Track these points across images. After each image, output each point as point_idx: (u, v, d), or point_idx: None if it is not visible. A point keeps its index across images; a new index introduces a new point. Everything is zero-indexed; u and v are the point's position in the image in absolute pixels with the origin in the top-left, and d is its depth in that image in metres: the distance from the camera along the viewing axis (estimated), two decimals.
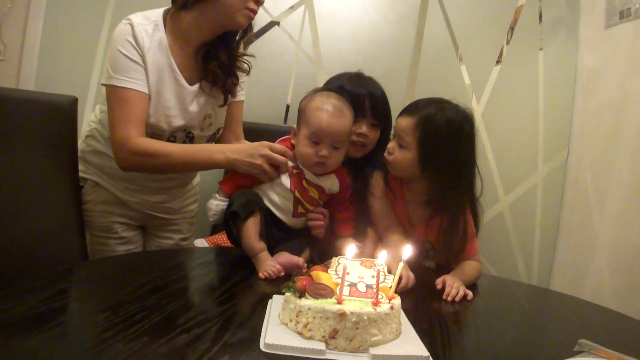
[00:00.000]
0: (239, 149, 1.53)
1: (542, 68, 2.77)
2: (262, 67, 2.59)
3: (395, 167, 1.58)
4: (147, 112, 1.56)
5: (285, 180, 1.48)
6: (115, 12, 2.52)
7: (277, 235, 1.46)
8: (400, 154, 1.55)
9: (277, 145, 1.51)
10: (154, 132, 1.60)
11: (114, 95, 1.53)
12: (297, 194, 1.47)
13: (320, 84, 2.68)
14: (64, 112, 1.61)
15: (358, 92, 1.67)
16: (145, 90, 1.55)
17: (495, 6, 2.75)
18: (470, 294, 1.34)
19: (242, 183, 1.51)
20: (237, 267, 1.37)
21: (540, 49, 2.77)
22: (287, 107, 2.68)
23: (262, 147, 1.48)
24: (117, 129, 1.52)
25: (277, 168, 1.49)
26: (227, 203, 1.46)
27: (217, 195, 1.49)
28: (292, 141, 1.51)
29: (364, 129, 1.66)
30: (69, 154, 1.62)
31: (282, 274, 1.31)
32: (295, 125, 1.51)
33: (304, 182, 1.48)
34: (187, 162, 1.58)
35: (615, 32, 2.51)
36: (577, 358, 0.92)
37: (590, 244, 2.48)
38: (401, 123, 1.56)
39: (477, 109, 2.70)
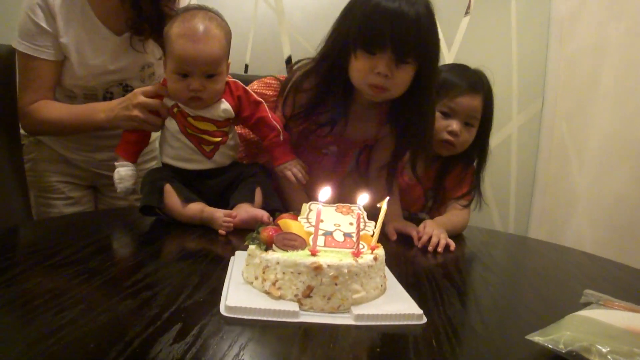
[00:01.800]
0: (114, 104, 1.35)
1: (514, 17, 2.66)
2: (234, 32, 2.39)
3: (460, 148, 1.52)
4: (53, 78, 1.47)
5: (171, 123, 1.30)
6: None
7: (214, 188, 1.32)
8: (468, 134, 1.51)
9: (150, 87, 1.32)
10: (85, 92, 1.52)
11: (19, 61, 1.47)
12: (190, 131, 1.28)
13: (285, 39, 2.51)
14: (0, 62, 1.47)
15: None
16: (51, 58, 1.45)
17: None
18: (452, 244, 1.23)
19: (132, 139, 1.34)
20: (194, 226, 1.22)
21: None
22: (246, 67, 2.49)
23: (135, 96, 1.31)
24: (19, 96, 1.46)
25: (158, 113, 1.31)
26: (130, 166, 1.32)
27: (116, 163, 1.33)
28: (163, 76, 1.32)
29: (382, 67, 1.23)
30: (8, 109, 1.49)
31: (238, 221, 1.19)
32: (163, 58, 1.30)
33: (189, 119, 1.28)
34: (75, 126, 1.44)
35: None
36: (588, 310, 0.80)
37: (569, 194, 2.41)
38: (471, 103, 1.49)
39: (448, 59, 2.57)
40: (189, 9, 1.28)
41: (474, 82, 1.51)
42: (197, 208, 1.20)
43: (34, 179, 1.62)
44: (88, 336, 0.63)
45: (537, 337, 0.69)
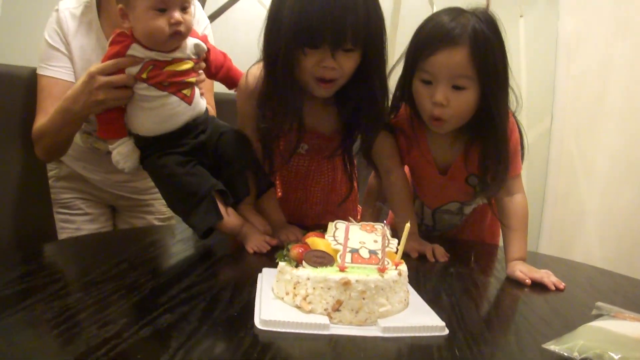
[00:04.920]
0: (77, 93, 1.25)
1: (523, 35, 2.72)
2: (234, 37, 2.46)
3: (454, 120, 1.25)
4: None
5: (142, 87, 1.21)
6: None
7: (210, 141, 1.28)
8: (459, 100, 1.20)
9: (106, 63, 1.20)
10: None
11: (38, 84, 1.45)
12: (166, 84, 1.21)
13: None
14: (26, 83, 1.49)
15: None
16: (65, 77, 1.45)
17: None
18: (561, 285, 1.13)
19: (110, 118, 1.25)
20: (220, 241, 1.26)
21: (521, 16, 2.71)
22: None
23: (92, 80, 1.20)
24: (34, 120, 1.42)
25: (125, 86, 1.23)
26: (127, 142, 1.25)
27: (110, 147, 1.27)
28: (125, 26, 1.19)
29: (329, 60, 1.18)
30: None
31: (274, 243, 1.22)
32: (120, 6, 1.17)
33: (167, 68, 1.21)
34: (59, 125, 1.34)
35: None
36: (600, 321, 0.84)
37: (578, 211, 2.45)
38: (450, 60, 1.18)
39: None
40: None
41: (450, 30, 1.18)
42: (236, 224, 1.23)
43: (54, 196, 1.65)
44: (134, 348, 0.68)
45: (552, 346, 0.74)
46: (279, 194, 1.47)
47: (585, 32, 2.54)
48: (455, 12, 1.21)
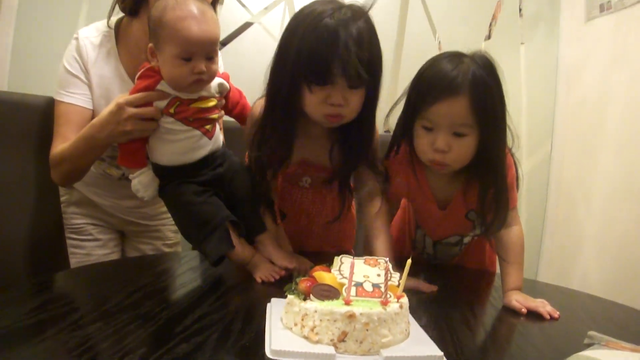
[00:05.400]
0: (104, 122, 1.30)
1: (523, 62, 2.79)
2: (243, 65, 2.53)
3: (455, 164, 1.30)
4: (80, 124, 1.47)
5: (169, 121, 1.26)
6: (90, 9, 2.48)
7: (226, 176, 1.33)
8: (460, 147, 1.25)
9: (135, 96, 1.26)
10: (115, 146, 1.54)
11: (55, 110, 1.50)
12: (192, 119, 1.27)
13: None
14: (41, 112, 1.54)
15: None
16: (83, 104, 1.51)
17: (475, 0, 2.74)
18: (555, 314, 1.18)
19: (132, 148, 1.30)
20: (228, 269, 1.32)
21: (522, 44, 2.78)
22: None
23: (120, 110, 1.25)
24: (51, 146, 1.47)
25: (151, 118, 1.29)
26: (146, 171, 1.30)
27: (130, 176, 1.32)
28: (153, 64, 1.25)
29: (336, 97, 1.23)
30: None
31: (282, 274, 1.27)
32: (150, 45, 1.24)
33: (192, 105, 1.26)
34: (82, 151, 1.39)
35: (595, 25, 2.52)
36: (591, 351, 0.89)
37: (577, 237, 2.49)
38: (451, 110, 1.22)
39: None
40: None
41: (450, 80, 1.22)
42: (247, 254, 1.28)
43: (65, 221, 1.70)
44: None
45: None
46: (278, 221, 1.49)
47: (584, 61, 2.61)
48: (456, 60, 1.25)
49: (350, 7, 1.24)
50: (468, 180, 1.37)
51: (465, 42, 2.64)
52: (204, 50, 1.20)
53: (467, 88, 1.21)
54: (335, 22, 1.18)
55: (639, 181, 2.11)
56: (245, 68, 2.57)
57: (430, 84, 1.26)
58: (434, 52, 2.61)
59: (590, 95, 2.53)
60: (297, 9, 1.29)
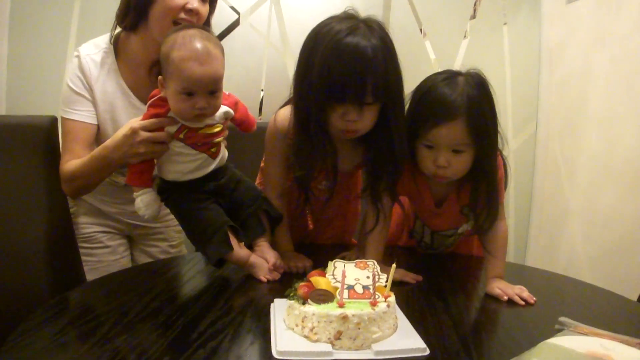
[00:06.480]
0: (118, 144, 1.39)
1: (507, 43, 2.84)
2: (233, 63, 2.64)
3: (455, 176, 1.44)
4: (88, 140, 1.60)
5: (178, 145, 1.36)
6: (80, 26, 2.58)
7: (227, 186, 1.45)
8: (459, 162, 1.39)
9: (149, 121, 1.34)
10: None
11: (62, 128, 1.59)
12: (199, 144, 1.36)
13: (291, 73, 2.75)
14: (46, 132, 1.59)
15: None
16: (89, 121, 1.61)
17: None
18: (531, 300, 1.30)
19: (141, 169, 1.38)
20: (232, 271, 1.43)
21: (505, 24, 2.84)
22: (262, 99, 2.77)
23: (134, 134, 1.34)
24: (60, 162, 1.57)
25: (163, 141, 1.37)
26: (150, 192, 1.39)
27: (134, 194, 1.39)
28: (162, 94, 1.33)
29: (352, 114, 1.32)
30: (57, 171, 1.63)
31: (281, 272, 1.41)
32: (160, 77, 1.32)
33: (201, 131, 1.35)
34: (95, 170, 1.50)
35: (576, 6, 2.58)
36: (559, 337, 0.98)
37: (563, 212, 2.58)
38: (450, 133, 1.35)
39: None
40: (182, 28, 1.33)
41: (448, 106, 1.34)
42: (244, 255, 1.39)
43: (76, 231, 1.77)
44: None
45: None
46: (311, 226, 1.62)
47: (566, 41, 2.67)
48: (453, 84, 1.37)
49: (366, 22, 1.33)
50: (461, 180, 1.50)
51: (450, 22, 2.74)
52: (205, 89, 1.27)
53: (464, 111, 1.33)
54: (351, 42, 1.26)
55: (620, 157, 2.19)
56: (237, 66, 2.69)
57: (431, 109, 1.38)
58: (417, 37, 2.69)
59: (572, 74, 2.60)
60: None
